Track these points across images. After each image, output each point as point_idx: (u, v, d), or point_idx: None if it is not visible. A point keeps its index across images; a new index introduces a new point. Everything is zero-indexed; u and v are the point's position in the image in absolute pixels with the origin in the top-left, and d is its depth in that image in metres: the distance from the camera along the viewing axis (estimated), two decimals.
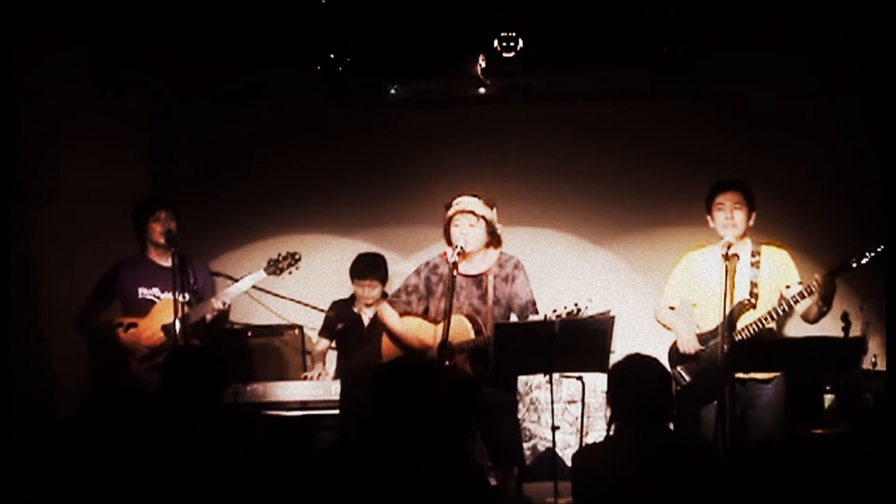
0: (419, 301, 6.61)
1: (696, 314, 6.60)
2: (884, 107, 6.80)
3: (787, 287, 6.36)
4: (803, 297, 6.24)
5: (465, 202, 6.46)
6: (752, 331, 6.30)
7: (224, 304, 6.97)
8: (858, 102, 7.53)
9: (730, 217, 6.44)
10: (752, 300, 6.39)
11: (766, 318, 6.30)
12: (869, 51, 7.09)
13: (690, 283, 6.63)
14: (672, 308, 6.71)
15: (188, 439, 4.63)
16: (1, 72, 6.85)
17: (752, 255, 6.49)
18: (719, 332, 6.20)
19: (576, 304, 6.02)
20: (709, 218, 6.56)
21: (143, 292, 6.99)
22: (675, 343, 6.58)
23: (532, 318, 6.32)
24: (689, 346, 6.48)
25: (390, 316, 6.64)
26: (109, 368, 6.86)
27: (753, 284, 6.42)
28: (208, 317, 6.95)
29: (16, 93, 7.04)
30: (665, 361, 4.92)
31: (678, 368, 6.52)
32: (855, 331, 6.98)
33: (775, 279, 6.44)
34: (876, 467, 5.46)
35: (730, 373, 6.00)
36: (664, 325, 6.71)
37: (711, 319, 6.35)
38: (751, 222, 6.50)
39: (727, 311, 6.09)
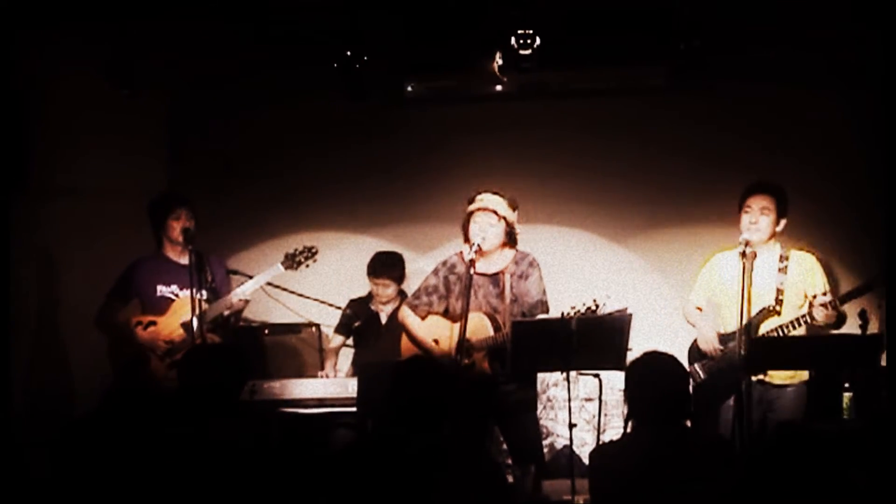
0: (439, 300, 6.60)
1: (722, 315, 6.59)
2: (885, 107, 6.78)
3: (814, 297, 6.33)
4: (809, 320, 6.27)
5: (488, 200, 6.45)
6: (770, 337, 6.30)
7: (243, 299, 6.96)
8: (874, 100, 7.49)
9: (754, 221, 6.42)
10: (777, 307, 6.37)
11: (787, 327, 6.30)
12: (882, 49, 7.05)
13: (716, 284, 6.63)
14: (699, 308, 6.71)
15: (205, 437, 4.64)
16: (15, 67, 6.87)
17: (780, 261, 6.46)
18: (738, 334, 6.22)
19: (594, 300, 6.02)
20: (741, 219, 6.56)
21: (162, 290, 6.99)
22: (696, 340, 6.59)
23: (541, 317, 6.33)
24: (709, 345, 6.49)
25: (412, 321, 6.62)
26: (130, 366, 6.87)
27: (779, 291, 6.40)
28: (226, 313, 6.96)
29: (30, 88, 7.06)
30: (683, 358, 4.93)
31: (695, 365, 6.53)
32: (873, 328, 6.94)
33: (801, 286, 6.43)
34: (891, 464, 5.45)
35: (748, 373, 5.98)
36: (690, 324, 6.72)
37: (734, 321, 6.32)
38: (778, 228, 6.48)
39: (748, 312, 6.08)
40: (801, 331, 6.35)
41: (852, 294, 6.36)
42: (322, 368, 7.50)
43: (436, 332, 6.52)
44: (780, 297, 6.39)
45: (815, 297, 6.34)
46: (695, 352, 6.60)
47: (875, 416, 6.22)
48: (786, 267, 6.44)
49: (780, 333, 6.29)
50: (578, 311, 6.00)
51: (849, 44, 7.39)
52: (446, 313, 6.57)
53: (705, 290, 6.72)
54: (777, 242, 6.52)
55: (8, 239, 6.84)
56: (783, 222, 6.48)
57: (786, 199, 6.50)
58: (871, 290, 6.35)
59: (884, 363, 6.77)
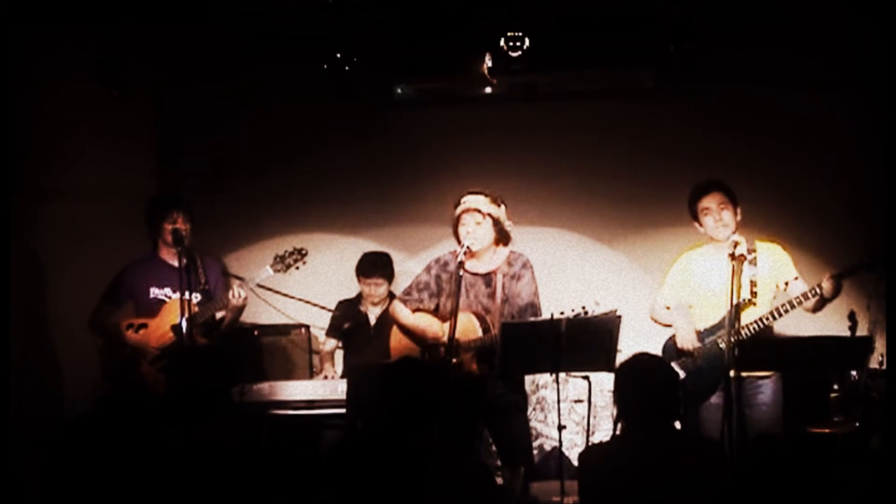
0: (430, 298, 6.60)
1: (695, 314, 6.59)
2: (886, 106, 6.78)
3: (787, 283, 6.36)
4: (807, 298, 6.26)
5: (471, 200, 6.44)
6: (752, 329, 6.31)
7: (242, 298, 6.93)
8: (862, 101, 7.51)
9: (719, 219, 6.48)
10: (753, 298, 6.40)
11: (767, 318, 6.31)
12: (873, 50, 7.07)
13: (689, 284, 6.64)
14: (668, 308, 6.71)
15: (194, 440, 4.64)
16: (6, 68, 6.85)
17: (749, 253, 6.48)
18: (720, 329, 6.30)
19: (583, 308, 6.00)
20: (696, 224, 6.59)
21: (155, 292, 6.99)
22: (672, 338, 6.59)
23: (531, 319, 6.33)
24: (689, 342, 6.49)
25: (402, 312, 6.61)
26: (120, 369, 6.87)
27: (753, 283, 6.42)
28: (218, 315, 6.94)
29: (21, 90, 7.03)
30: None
31: (673, 364, 6.53)
32: (862, 330, 6.96)
33: (773, 275, 6.46)
34: (881, 466, 5.47)
35: (736, 371, 5.99)
36: (660, 323, 6.72)
37: (710, 318, 6.40)
38: (738, 217, 6.52)
39: (732, 311, 6.08)
40: (787, 317, 6.35)
41: (852, 271, 6.33)
42: (313, 370, 7.49)
43: (427, 329, 6.51)
44: (755, 289, 6.41)
45: (787, 283, 6.37)
46: (671, 350, 6.58)
47: (868, 420, 6.24)
48: (755, 259, 6.46)
49: (759, 326, 6.31)
50: (567, 318, 5.99)
51: (843, 45, 7.40)
52: (436, 311, 6.57)
53: (677, 290, 6.70)
54: (742, 237, 6.54)
55: (0, 241, 6.83)
56: (739, 210, 6.53)
57: (732, 190, 6.55)
58: (866, 268, 6.32)
59: (877, 365, 6.82)
